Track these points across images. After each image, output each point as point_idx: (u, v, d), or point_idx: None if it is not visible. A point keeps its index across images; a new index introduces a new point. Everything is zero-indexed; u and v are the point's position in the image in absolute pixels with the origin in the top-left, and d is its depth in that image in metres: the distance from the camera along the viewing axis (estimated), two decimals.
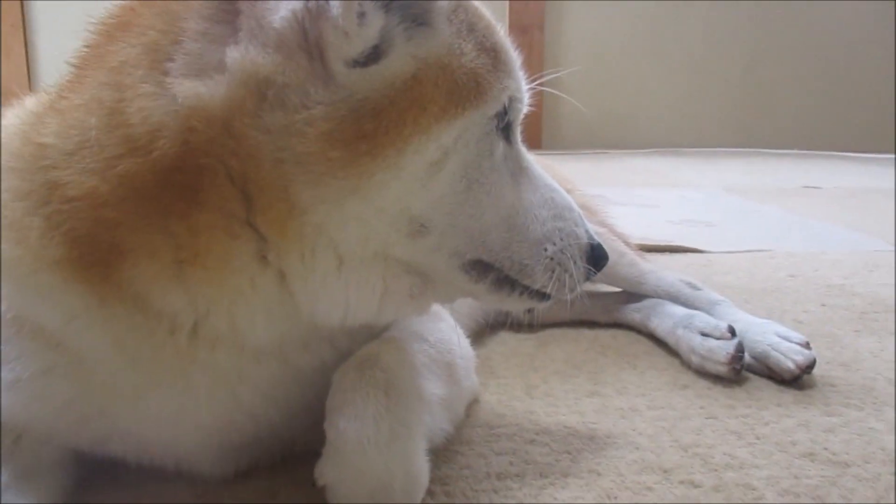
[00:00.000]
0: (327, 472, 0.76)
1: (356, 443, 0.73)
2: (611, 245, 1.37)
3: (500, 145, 0.78)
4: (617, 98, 5.06)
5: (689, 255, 2.10)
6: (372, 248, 0.72)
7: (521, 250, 0.80)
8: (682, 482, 0.88)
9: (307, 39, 0.67)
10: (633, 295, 1.44)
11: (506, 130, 0.79)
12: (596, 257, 0.86)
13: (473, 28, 0.75)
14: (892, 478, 0.90)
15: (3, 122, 0.80)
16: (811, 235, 2.44)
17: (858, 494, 0.86)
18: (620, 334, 1.41)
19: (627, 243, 1.48)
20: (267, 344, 0.76)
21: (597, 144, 4.95)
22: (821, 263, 2.01)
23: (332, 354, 0.83)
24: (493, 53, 0.76)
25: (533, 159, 0.85)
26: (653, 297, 1.41)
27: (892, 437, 1.01)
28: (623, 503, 0.84)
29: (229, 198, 0.68)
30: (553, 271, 0.81)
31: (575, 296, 0.85)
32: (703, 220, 2.60)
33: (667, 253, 2.07)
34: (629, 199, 2.90)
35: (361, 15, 0.66)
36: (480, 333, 1.32)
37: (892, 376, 1.22)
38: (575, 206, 0.86)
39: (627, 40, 5.14)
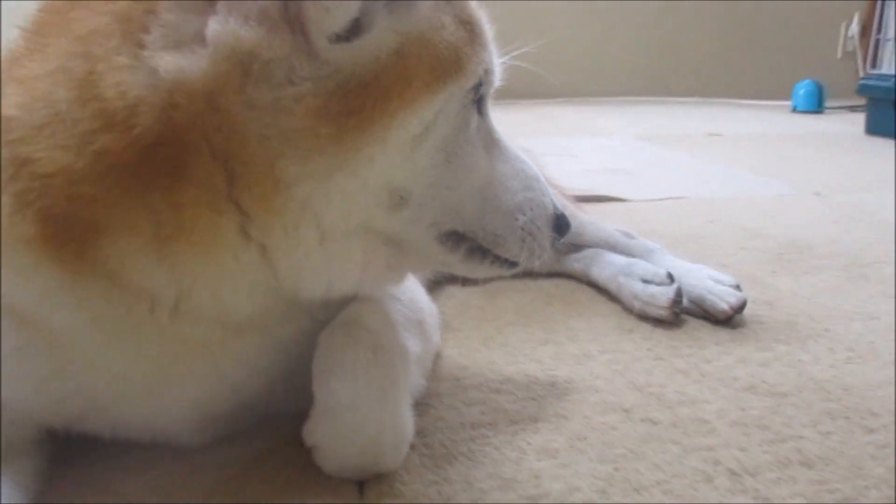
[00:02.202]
0: (317, 432, 0.77)
1: (349, 401, 0.75)
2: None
3: (475, 118, 0.80)
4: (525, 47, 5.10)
5: (612, 203, 2.18)
6: (354, 221, 0.73)
7: (494, 221, 0.82)
8: (642, 420, 0.95)
9: (289, 13, 0.66)
10: (572, 245, 1.50)
11: (479, 103, 0.81)
12: (560, 225, 0.89)
13: (450, 1, 0.76)
14: (824, 405, 0.99)
15: None
16: (720, 181, 2.57)
17: (797, 421, 0.95)
18: (563, 283, 1.47)
19: (565, 195, 1.52)
20: (249, 318, 0.77)
21: (505, 94, 4.98)
22: (734, 208, 2.13)
23: (310, 324, 0.84)
24: (469, 26, 0.77)
25: (502, 132, 0.87)
26: (592, 247, 1.47)
27: (819, 367, 1.11)
28: (593, 443, 0.89)
29: (213, 173, 0.67)
30: (524, 241, 0.84)
31: (541, 263, 0.88)
32: (621, 168, 2.70)
33: (591, 202, 2.14)
34: (547, 148, 2.96)
35: None
36: (430, 289, 1.35)
37: (812, 313, 1.33)
38: (541, 177, 0.88)
39: None
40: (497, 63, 0.83)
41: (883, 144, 3.48)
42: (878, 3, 3.72)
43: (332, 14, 0.66)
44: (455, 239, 0.81)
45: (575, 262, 1.47)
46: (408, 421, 0.81)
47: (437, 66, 0.72)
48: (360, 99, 0.67)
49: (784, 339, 1.21)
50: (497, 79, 0.84)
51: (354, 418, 0.75)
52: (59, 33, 0.69)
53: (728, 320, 1.26)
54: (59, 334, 0.72)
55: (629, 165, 2.80)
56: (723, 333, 1.23)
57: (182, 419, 0.81)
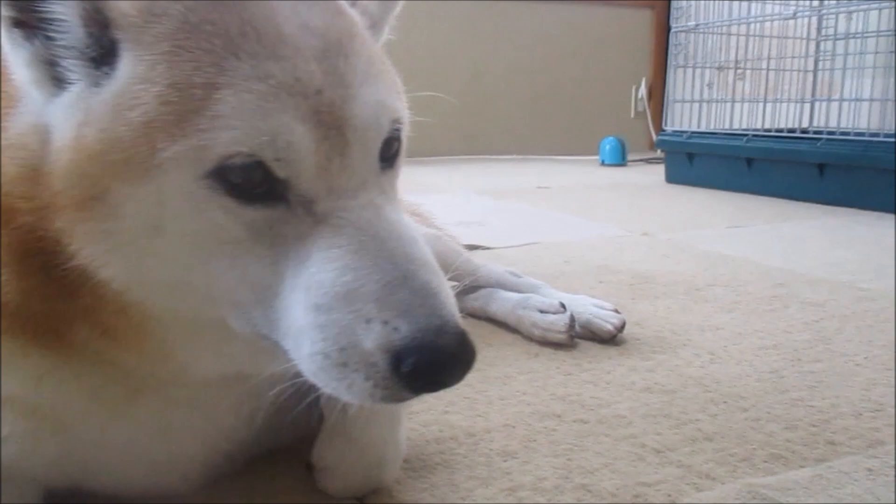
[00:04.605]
0: (327, 454, 0.86)
1: (364, 421, 0.85)
2: (451, 246, 1.60)
3: (241, 211, 0.61)
4: None
5: (479, 251, 2.40)
6: (185, 311, 0.69)
7: (287, 341, 0.65)
8: (574, 421, 1.13)
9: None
10: (468, 286, 1.68)
11: (267, 191, 0.61)
12: (412, 371, 0.59)
13: (182, 51, 0.58)
14: (706, 395, 1.23)
15: None
16: (563, 226, 2.89)
17: (690, 409, 1.18)
18: (464, 321, 1.64)
19: (459, 243, 1.71)
20: (220, 375, 0.77)
21: None
22: (583, 249, 2.43)
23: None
24: (204, 92, 0.57)
25: (370, 218, 0.63)
26: (485, 287, 1.66)
27: (692, 368, 1.36)
28: (542, 443, 1.06)
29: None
30: (318, 372, 0.63)
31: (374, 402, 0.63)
32: (474, 220, 2.94)
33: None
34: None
35: None
36: None
37: (672, 328, 1.60)
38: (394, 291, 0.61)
39: None
40: (279, 138, 0.59)
41: (682, 191, 4.03)
42: (664, 70, 4.34)
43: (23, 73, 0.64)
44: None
45: (473, 301, 1.65)
46: (404, 436, 0.93)
47: (119, 153, 0.60)
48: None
49: (659, 349, 1.46)
50: (289, 159, 0.60)
51: (366, 436, 0.86)
52: None
53: (613, 339, 1.49)
54: (63, 417, 0.74)
55: (480, 218, 3.05)
56: (611, 350, 1.46)
57: (183, 472, 0.84)
